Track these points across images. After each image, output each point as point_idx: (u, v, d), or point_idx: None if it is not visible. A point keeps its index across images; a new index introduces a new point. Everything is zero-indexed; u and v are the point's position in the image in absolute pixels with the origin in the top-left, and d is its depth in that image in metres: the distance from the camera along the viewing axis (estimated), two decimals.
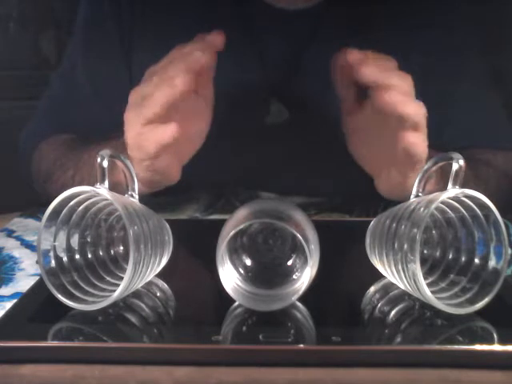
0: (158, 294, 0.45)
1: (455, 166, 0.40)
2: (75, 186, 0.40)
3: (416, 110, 0.50)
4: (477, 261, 0.42)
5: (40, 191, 0.73)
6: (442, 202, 0.41)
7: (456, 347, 0.37)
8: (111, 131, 0.60)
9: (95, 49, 0.76)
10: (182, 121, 0.52)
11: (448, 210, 0.43)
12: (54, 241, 0.42)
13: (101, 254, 0.45)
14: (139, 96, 0.53)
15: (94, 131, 0.71)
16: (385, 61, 0.52)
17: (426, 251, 0.45)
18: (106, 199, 0.41)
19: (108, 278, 0.44)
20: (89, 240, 0.44)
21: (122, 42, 0.75)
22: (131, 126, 0.53)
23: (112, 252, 0.46)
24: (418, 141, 0.51)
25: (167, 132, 0.52)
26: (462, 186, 0.40)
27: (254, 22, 0.73)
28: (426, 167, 0.43)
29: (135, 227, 0.40)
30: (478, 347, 0.37)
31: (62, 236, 0.42)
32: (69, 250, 0.43)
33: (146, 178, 0.55)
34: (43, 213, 0.41)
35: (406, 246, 0.40)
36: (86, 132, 0.72)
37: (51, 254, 0.41)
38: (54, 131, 0.76)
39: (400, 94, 0.50)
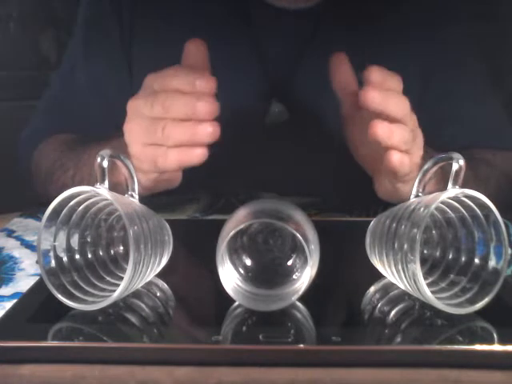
0: (158, 294, 0.45)
1: (455, 166, 0.40)
2: (75, 186, 0.40)
3: (401, 138, 0.50)
4: (477, 261, 0.42)
5: (40, 191, 0.73)
6: (442, 202, 0.41)
7: (456, 347, 0.37)
8: (111, 131, 0.60)
9: (95, 48, 0.76)
10: None
11: (448, 210, 0.43)
12: (54, 241, 0.42)
13: (101, 254, 0.45)
14: (139, 110, 0.52)
15: (94, 131, 0.71)
16: (391, 79, 0.51)
17: (426, 251, 0.45)
18: (106, 199, 0.41)
19: (108, 278, 0.44)
20: (89, 240, 0.44)
21: (122, 41, 0.75)
22: (134, 139, 0.53)
23: (112, 252, 0.46)
24: (401, 160, 0.51)
25: (196, 156, 0.51)
26: (462, 186, 0.40)
27: (254, 21, 0.73)
28: (425, 167, 0.43)
29: (135, 227, 0.40)
30: (478, 347, 0.37)
31: (62, 236, 0.42)
32: (69, 250, 0.43)
33: (148, 186, 0.55)
34: (43, 213, 0.40)
35: (406, 246, 0.40)
36: (86, 132, 0.72)
37: (51, 254, 0.41)
38: (53, 131, 0.76)
39: (387, 126, 0.50)
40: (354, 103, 0.58)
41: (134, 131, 0.53)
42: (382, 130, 0.49)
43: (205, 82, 0.50)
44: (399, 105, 0.50)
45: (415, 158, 0.53)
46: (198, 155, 0.51)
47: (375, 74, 0.50)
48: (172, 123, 0.50)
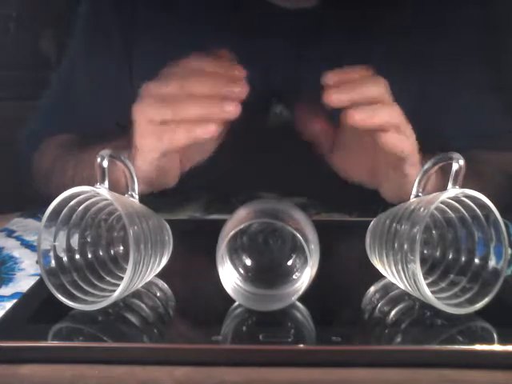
0: (158, 294, 0.45)
1: (455, 166, 0.40)
2: (75, 186, 0.40)
3: (388, 115, 0.51)
4: (477, 261, 0.42)
5: (41, 190, 0.73)
6: (442, 202, 0.41)
7: (456, 347, 0.37)
8: (111, 131, 0.60)
9: (95, 48, 0.76)
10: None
11: (448, 210, 0.43)
12: (54, 241, 0.42)
13: (101, 253, 0.45)
14: (153, 90, 0.52)
15: (95, 130, 0.71)
16: (351, 71, 0.52)
17: (426, 251, 0.45)
18: (106, 199, 0.41)
19: (108, 278, 0.44)
20: (89, 240, 0.44)
21: (122, 40, 0.75)
22: (141, 115, 0.52)
23: (112, 252, 0.46)
24: (395, 139, 0.51)
25: (209, 132, 0.51)
26: (462, 185, 0.40)
27: (254, 21, 0.73)
28: (425, 167, 0.43)
29: (135, 227, 0.40)
30: (478, 347, 0.37)
31: (62, 236, 0.42)
32: (69, 250, 0.43)
33: (144, 171, 0.55)
34: (43, 213, 0.40)
35: (406, 246, 0.40)
36: (86, 131, 0.72)
37: (51, 254, 0.41)
38: (54, 131, 0.76)
39: (366, 109, 0.50)
40: (331, 137, 0.58)
41: (143, 108, 0.52)
42: (360, 115, 0.50)
43: (240, 70, 0.52)
44: (372, 86, 0.51)
45: (413, 139, 0.53)
46: (210, 131, 0.51)
47: (328, 77, 0.51)
48: (187, 98, 0.51)
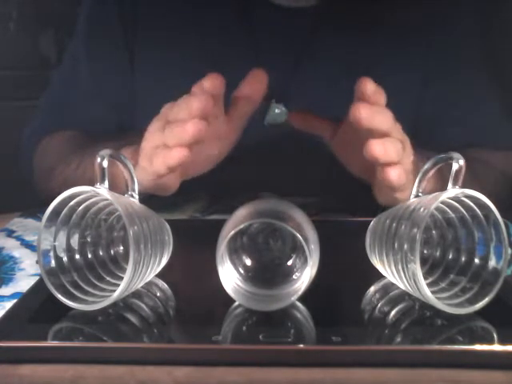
0: (158, 294, 0.45)
1: (455, 166, 0.40)
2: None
3: (395, 152, 0.49)
4: (477, 261, 0.42)
5: (41, 187, 0.73)
6: (442, 202, 0.41)
7: (456, 347, 0.37)
8: (112, 129, 0.59)
9: (97, 47, 0.76)
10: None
11: (448, 210, 0.43)
12: (54, 241, 0.42)
13: (101, 253, 0.45)
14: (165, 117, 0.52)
15: (95, 129, 0.71)
16: (379, 93, 0.50)
17: (426, 251, 0.45)
18: (106, 199, 0.41)
19: (108, 278, 0.44)
20: (89, 240, 0.44)
21: (124, 40, 0.75)
22: (151, 136, 0.52)
23: (112, 252, 0.46)
24: (399, 175, 0.49)
25: (176, 155, 0.49)
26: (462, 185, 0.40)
27: (253, 20, 0.73)
28: (425, 167, 0.43)
29: (135, 227, 0.40)
30: (477, 347, 0.37)
31: (62, 236, 0.42)
32: (69, 250, 0.43)
33: (144, 185, 0.55)
34: (43, 213, 0.41)
35: (406, 246, 0.40)
36: (87, 129, 0.72)
37: (51, 254, 0.41)
38: (56, 128, 0.76)
39: (382, 143, 0.49)
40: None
41: (154, 131, 0.52)
42: (378, 148, 0.49)
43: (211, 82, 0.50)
44: (385, 118, 0.50)
45: (406, 166, 0.52)
46: (179, 154, 0.49)
47: (369, 86, 0.48)
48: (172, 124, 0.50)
